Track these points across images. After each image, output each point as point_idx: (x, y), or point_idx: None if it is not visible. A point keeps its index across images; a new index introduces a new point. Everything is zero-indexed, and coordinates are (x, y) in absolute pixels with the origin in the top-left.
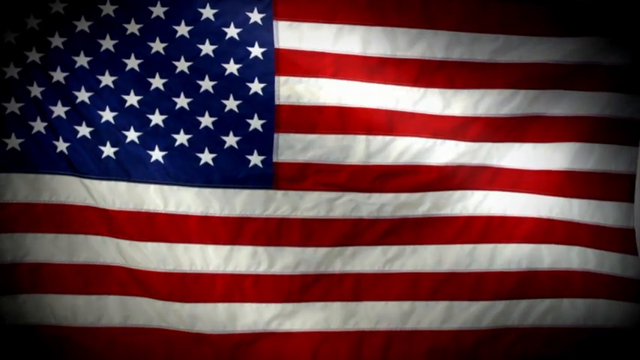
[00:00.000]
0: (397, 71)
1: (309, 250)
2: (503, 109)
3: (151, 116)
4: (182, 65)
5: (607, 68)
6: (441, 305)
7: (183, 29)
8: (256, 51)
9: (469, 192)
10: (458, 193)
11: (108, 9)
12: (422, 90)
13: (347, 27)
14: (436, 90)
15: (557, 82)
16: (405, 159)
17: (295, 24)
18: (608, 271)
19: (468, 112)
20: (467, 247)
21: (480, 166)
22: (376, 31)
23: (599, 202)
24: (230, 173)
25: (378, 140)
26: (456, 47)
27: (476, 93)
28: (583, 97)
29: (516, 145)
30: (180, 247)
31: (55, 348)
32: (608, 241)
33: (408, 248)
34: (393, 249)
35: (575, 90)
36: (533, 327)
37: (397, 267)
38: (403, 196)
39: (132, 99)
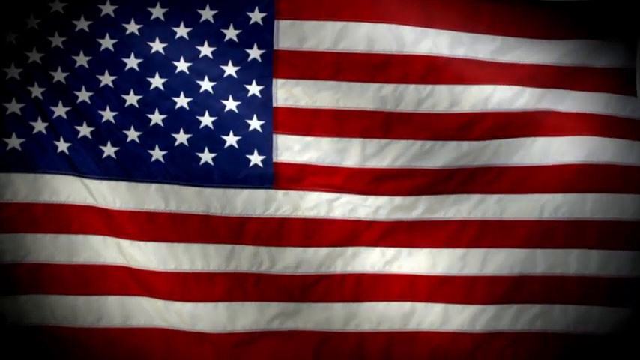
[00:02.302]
0: (403, 68)
1: (310, 251)
2: (514, 104)
3: (151, 116)
4: (182, 65)
5: (600, 71)
6: (438, 307)
7: (182, 31)
8: (254, 53)
9: (464, 196)
10: (452, 197)
11: (107, 9)
12: (429, 87)
13: (352, 24)
14: (444, 86)
15: (558, 82)
16: (400, 163)
17: (297, 22)
18: (613, 274)
19: (478, 107)
20: (459, 252)
21: (482, 167)
22: (381, 28)
23: (617, 195)
24: (230, 173)
25: (374, 144)
26: (459, 47)
27: (486, 88)
28: (584, 97)
29: (529, 141)
30: (180, 247)
31: (55, 348)
32: (621, 239)
33: (404, 250)
34: (391, 250)
35: (576, 90)
36: (523, 332)
37: (396, 268)
38: (397, 200)
39: (132, 98)
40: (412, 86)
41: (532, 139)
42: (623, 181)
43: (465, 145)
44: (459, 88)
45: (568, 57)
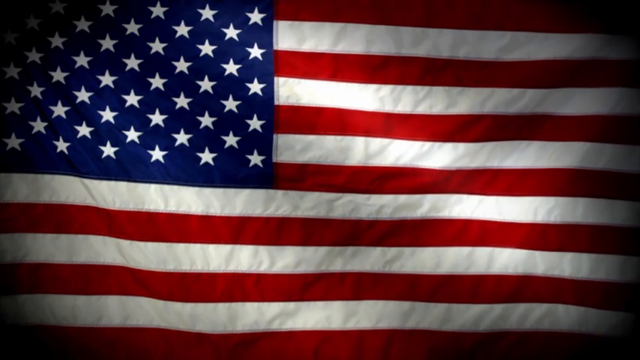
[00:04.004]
0: (401, 70)
1: (310, 250)
2: (512, 108)
3: (151, 116)
4: (182, 65)
5: (615, 63)
6: (440, 307)
7: (182, 29)
8: (255, 52)
9: (465, 196)
10: (455, 197)
11: (107, 9)
12: (426, 88)
13: (350, 25)
14: (441, 88)
15: (567, 80)
16: (403, 162)
17: (296, 23)
18: (603, 277)
19: (475, 110)
20: (465, 250)
21: (478, 169)
22: (380, 29)
23: (610, 200)
24: (230, 173)
25: (377, 142)
26: (462, 46)
27: (484, 91)
28: (594, 94)
29: (524, 144)
30: (180, 247)
31: (55, 348)
32: (611, 243)
33: (407, 250)
34: (393, 250)
35: (586, 87)
36: (531, 331)
37: (397, 268)
38: (402, 198)
39: (132, 99)
40: (410, 87)
41: (527, 142)
42: (616, 187)
43: (461, 147)
44: (456, 90)
45: (581, 50)
